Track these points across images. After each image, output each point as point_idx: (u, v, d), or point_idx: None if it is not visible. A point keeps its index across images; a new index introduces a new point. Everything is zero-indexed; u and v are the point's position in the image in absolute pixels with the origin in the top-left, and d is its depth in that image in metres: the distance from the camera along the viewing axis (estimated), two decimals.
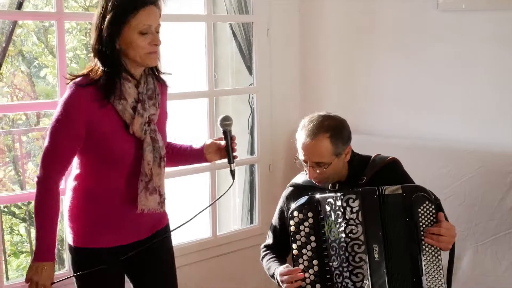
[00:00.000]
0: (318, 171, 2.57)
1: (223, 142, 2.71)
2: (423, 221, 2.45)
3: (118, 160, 2.52)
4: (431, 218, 2.45)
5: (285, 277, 2.54)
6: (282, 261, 2.71)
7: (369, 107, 3.97)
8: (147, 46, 2.45)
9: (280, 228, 2.80)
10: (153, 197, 2.54)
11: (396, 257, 2.44)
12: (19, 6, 3.38)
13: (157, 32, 2.49)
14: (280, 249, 2.79)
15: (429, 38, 3.75)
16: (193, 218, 2.62)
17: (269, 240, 2.85)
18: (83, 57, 6.36)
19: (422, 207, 2.45)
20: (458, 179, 3.47)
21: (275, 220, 2.84)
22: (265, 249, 2.86)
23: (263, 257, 2.83)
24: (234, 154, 2.69)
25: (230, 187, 2.71)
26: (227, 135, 2.67)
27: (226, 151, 2.68)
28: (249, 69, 4.18)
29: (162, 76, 2.66)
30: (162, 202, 2.59)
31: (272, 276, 2.68)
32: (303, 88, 4.34)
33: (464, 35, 3.62)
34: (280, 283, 2.58)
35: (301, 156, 2.60)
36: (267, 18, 4.08)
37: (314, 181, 2.63)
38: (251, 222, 4.29)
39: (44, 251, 2.48)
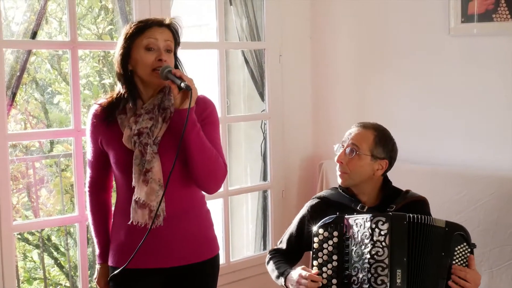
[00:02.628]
0: (347, 156, 2.64)
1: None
2: (456, 261, 2.46)
3: (121, 171, 2.55)
4: (464, 260, 2.47)
5: (304, 280, 2.51)
6: (291, 267, 2.69)
7: None
8: (153, 62, 2.48)
9: (296, 235, 2.80)
10: (143, 211, 2.49)
11: (418, 286, 2.43)
12: (34, 35, 3.42)
13: (169, 51, 2.52)
14: (291, 256, 2.80)
15: (440, 63, 3.76)
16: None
17: (282, 245, 2.85)
18: (96, 84, 6.41)
19: (459, 247, 2.47)
20: (472, 204, 3.46)
21: (292, 226, 2.83)
22: (274, 252, 2.85)
23: (270, 259, 2.81)
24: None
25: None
26: (168, 75, 2.44)
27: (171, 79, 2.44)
28: (261, 95, 4.19)
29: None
30: (151, 217, 2.47)
31: (280, 275, 2.65)
32: (315, 114, 4.36)
33: (476, 60, 3.62)
34: (293, 284, 2.56)
35: (341, 140, 2.70)
36: (279, 44, 4.11)
37: (338, 170, 2.68)
38: (265, 248, 4.28)
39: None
